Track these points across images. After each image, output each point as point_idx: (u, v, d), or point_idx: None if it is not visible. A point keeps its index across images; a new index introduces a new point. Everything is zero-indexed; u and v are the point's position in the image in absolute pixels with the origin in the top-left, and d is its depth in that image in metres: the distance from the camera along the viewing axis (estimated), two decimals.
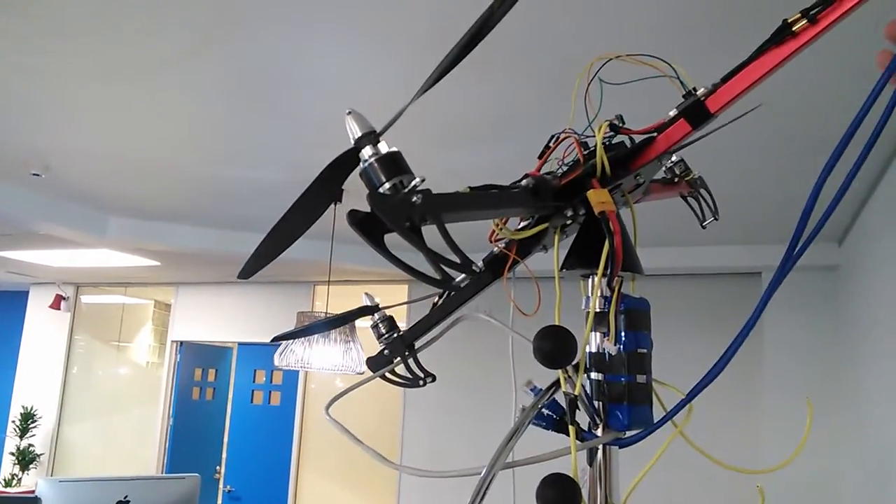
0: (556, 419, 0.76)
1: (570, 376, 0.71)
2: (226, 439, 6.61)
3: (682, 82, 0.76)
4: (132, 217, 4.31)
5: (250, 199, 3.83)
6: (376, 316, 0.86)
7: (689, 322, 4.63)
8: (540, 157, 0.85)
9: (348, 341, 3.56)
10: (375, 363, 0.83)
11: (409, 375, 0.81)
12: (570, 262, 0.77)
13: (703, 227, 1.02)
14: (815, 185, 0.63)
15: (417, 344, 0.82)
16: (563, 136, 0.82)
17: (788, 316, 4.27)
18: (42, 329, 6.97)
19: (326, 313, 3.51)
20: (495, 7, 0.63)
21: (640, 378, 0.72)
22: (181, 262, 5.38)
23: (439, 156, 3.00)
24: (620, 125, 0.80)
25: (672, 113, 0.75)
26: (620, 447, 0.73)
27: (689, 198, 1.03)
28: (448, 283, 0.63)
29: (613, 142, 0.81)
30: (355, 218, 0.59)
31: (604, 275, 0.72)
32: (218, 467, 6.60)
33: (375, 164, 0.61)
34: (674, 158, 0.99)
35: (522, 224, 0.80)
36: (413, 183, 0.60)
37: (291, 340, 3.49)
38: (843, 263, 4.04)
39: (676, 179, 0.99)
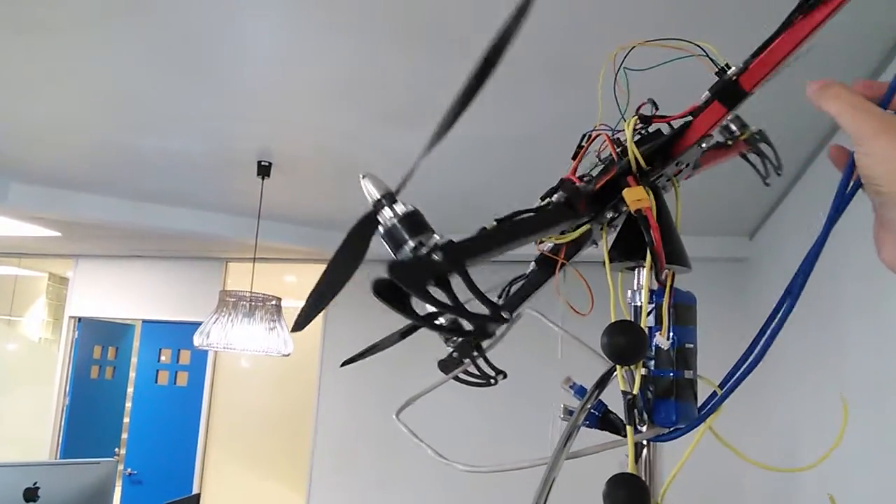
0: (599, 416, 0.75)
1: (630, 370, 0.69)
2: (126, 420, 6.30)
3: (712, 60, 0.72)
4: (36, 184, 4.01)
5: (165, 171, 3.63)
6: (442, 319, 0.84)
7: None
8: (574, 158, 0.82)
9: (273, 321, 3.45)
10: (446, 365, 0.82)
11: (479, 375, 0.79)
12: (613, 255, 0.76)
13: (767, 185, 0.95)
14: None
15: (485, 344, 0.79)
16: (594, 133, 0.79)
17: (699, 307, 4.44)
18: None
19: (251, 293, 3.38)
20: (510, 29, 0.59)
21: (687, 374, 0.72)
22: (84, 233, 5.06)
23: (383, 135, 2.93)
24: (653, 114, 0.78)
25: (704, 96, 0.72)
26: (664, 442, 0.72)
27: (749, 155, 0.94)
28: (500, 318, 0.61)
29: (649, 131, 0.78)
30: (380, 288, 0.54)
31: (650, 269, 0.71)
32: (117, 449, 6.29)
33: (398, 226, 0.60)
34: (728, 116, 0.92)
35: None
36: (433, 241, 0.59)
37: (213, 320, 3.35)
38: (753, 256, 4.24)
39: (732, 140, 0.89)
